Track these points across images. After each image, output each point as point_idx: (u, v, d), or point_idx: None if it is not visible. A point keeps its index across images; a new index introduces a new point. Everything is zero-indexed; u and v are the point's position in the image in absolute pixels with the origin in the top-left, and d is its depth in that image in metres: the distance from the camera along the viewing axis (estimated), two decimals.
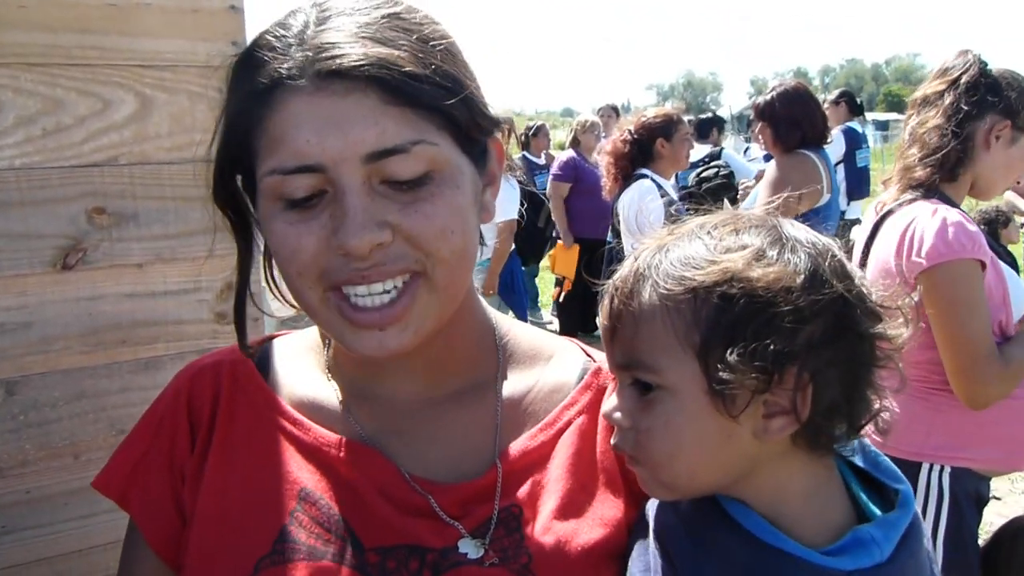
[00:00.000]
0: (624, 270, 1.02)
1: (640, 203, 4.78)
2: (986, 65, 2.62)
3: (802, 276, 0.93)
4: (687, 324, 0.94)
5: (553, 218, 8.30)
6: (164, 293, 1.89)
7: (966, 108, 2.56)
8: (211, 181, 1.05)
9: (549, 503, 1.07)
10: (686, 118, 6.07)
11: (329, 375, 1.17)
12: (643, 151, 4.93)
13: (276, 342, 1.24)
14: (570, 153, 8.48)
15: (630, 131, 4.95)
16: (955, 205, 2.59)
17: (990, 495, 2.80)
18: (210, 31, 1.85)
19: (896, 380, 1.01)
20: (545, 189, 8.38)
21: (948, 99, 2.60)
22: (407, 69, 0.93)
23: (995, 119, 2.58)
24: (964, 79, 2.59)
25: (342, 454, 1.09)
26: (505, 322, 1.23)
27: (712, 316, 0.93)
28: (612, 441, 1.05)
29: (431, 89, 0.95)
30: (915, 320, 1.00)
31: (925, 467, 2.57)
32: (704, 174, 7.92)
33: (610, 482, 1.10)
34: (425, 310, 1.00)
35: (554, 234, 8.48)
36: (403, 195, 0.96)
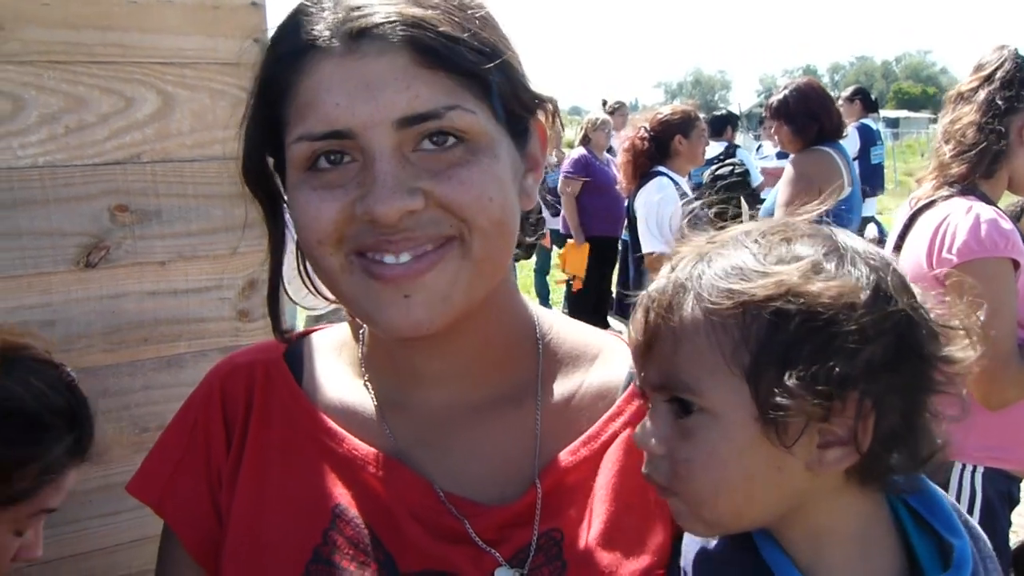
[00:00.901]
0: (661, 281, 0.93)
1: (659, 205, 4.76)
2: (1022, 59, 2.59)
3: (866, 292, 0.84)
4: (735, 342, 0.85)
5: (564, 216, 8.29)
6: (186, 291, 1.88)
7: (1001, 103, 2.54)
8: (241, 159, 1.01)
9: (592, 527, 1.00)
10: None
11: (365, 377, 1.12)
12: (660, 148, 4.91)
13: (309, 339, 1.20)
14: (581, 151, 8.47)
15: (646, 128, 4.93)
16: (991, 202, 2.57)
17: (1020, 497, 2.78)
18: (231, 27, 1.85)
19: (956, 406, 0.91)
20: (556, 187, 8.38)
21: (983, 95, 2.57)
22: (442, 29, 0.89)
23: None
24: (999, 74, 2.57)
25: (375, 470, 1.04)
26: (547, 317, 1.15)
27: (764, 334, 0.84)
28: (643, 471, 0.95)
29: (467, 52, 0.90)
30: (981, 341, 0.91)
31: (957, 467, 2.54)
32: (719, 171, 7.90)
33: (657, 502, 1.01)
34: (456, 276, 0.93)
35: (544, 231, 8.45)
36: (437, 162, 0.91)
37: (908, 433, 0.88)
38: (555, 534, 1.00)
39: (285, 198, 1.01)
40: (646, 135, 4.88)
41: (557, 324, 1.15)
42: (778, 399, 0.82)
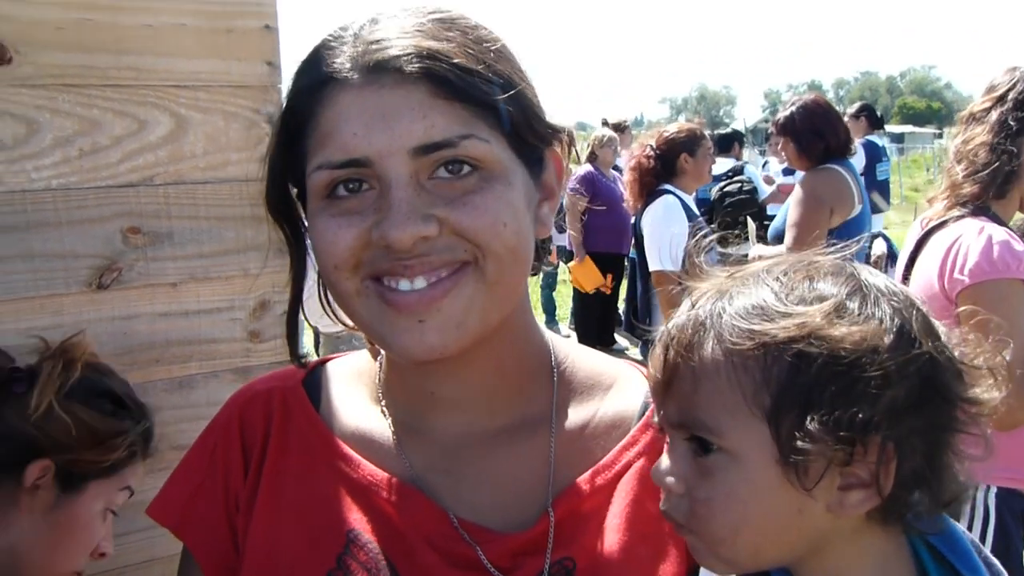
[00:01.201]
0: (681, 318, 0.92)
1: (665, 223, 4.76)
2: None
3: (890, 335, 0.83)
4: (756, 383, 0.84)
5: (569, 232, 8.30)
6: (198, 312, 1.89)
7: (1013, 124, 2.55)
8: (264, 189, 1.04)
9: (606, 556, 1.00)
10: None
11: (382, 402, 1.13)
12: (666, 166, 4.92)
13: (327, 367, 1.21)
14: (588, 167, 8.49)
15: (652, 146, 4.95)
16: (1003, 223, 2.57)
17: None
18: (245, 51, 1.86)
19: (980, 446, 0.89)
20: (562, 204, 8.37)
21: (995, 115, 2.58)
22: (457, 61, 0.91)
23: None
24: (1011, 95, 2.57)
25: (391, 496, 1.05)
26: (563, 346, 1.16)
27: (786, 376, 0.83)
28: (661, 507, 0.95)
29: (482, 84, 0.93)
30: (1007, 380, 0.90)
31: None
32: (727, 188, 7.91)
33: (672, 533, 1.01)
34: (471, 302, 0.94)
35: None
36: (452, 190, 0.93)
37: (931, 474, 0.87)
38: (567, 563, 1.00)
39: (306, 225, 1.03)
40: (652, 153, 4.89)
41: (573, 353, 1.16)
42: (799, 443, 0.81)
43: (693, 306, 0.92)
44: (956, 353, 0.89)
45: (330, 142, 0.93)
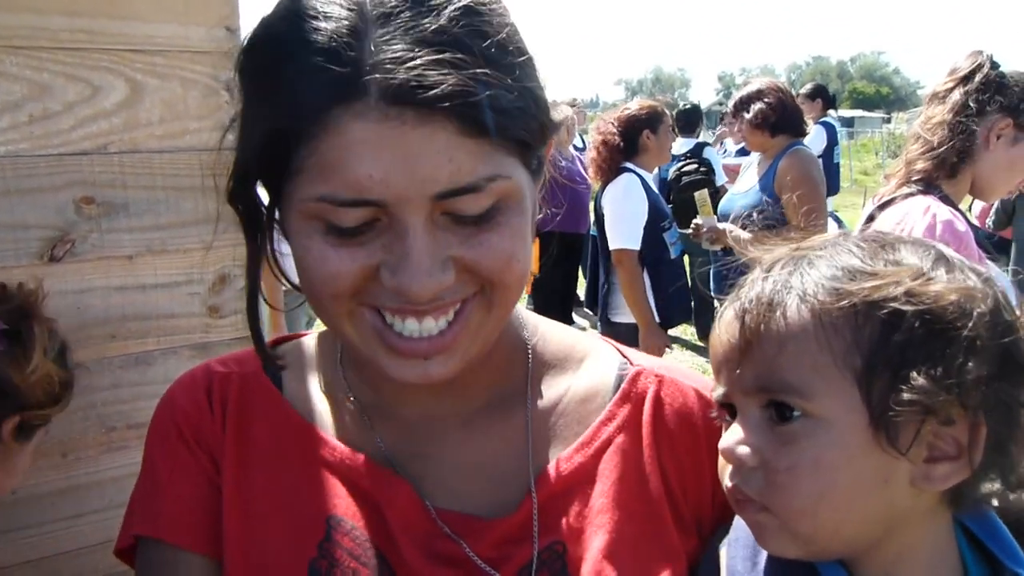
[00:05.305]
0: (757, 285, 0.88)
1: (626, 202, 4.76)
2: (997, 65, 2.63)
3: (987, 300, 0.82)
4: (846, 344, 0.81)
5: None
6: (155, 286, 1.83)
7: (973, 106, 2.58)
8: (229, 185, 0.92)
9: (596, 539, 0.96)
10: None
11: (347, 385, 1.06)
12: (629, 144, 4.91)
13: (284, 348, 1.13)
14: None
15: (614, 124, 4.93)
16: (952, 203, 2.60)
17: None
18: (204, 15, 1.79)
19: None
20: None
21: (955, 96, 2.61)
22: (490, 94, 0.79)
23: (998, 117, 2.59)
24: (972, 76, 2.60)
25: (370, 480, 0.99)
26: (532, 319, 1.11)
27: (878, 336, 0.80)
28: (730, 482, 0.90)
29: (514, 117, 0.82)
30: None
31: None
32: (685, 169, 7.93)
33: (658, 510, 0.99)
34: (476, 333, 0.90)
35: None
36: (466, 228, 0.84)
37: (1010, 452, 0.84)
38: (557, 547, 0.96)
39: (277, 221, 0.93)
40: (615, 131, 4.87)
41: (542, 326, 1.12)
42: (904, 396, 0.78)
43: (768, 271, 0.88)
44: None
45: (335, 176, 0.80)
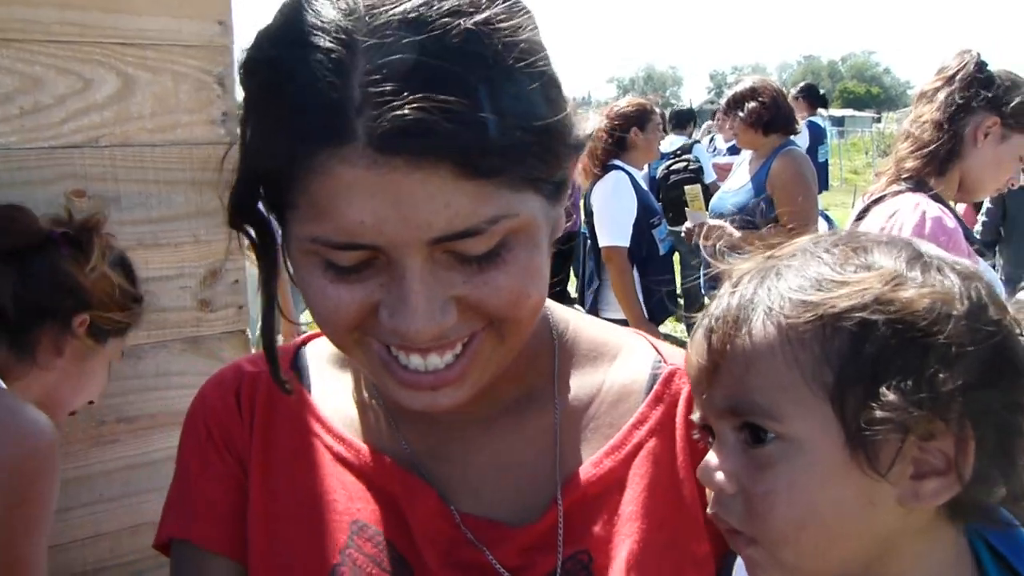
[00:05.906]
0: (723, 301, 0.83)
1: (615, 199, 4.77)
2: (984, 64, 2.65)
3: (963, 302, 0.76)
4: (815, 359, 0.76)
5: None
6: (146, 279, 1.82)
7: (959, 103, 2.60)
8: (229, 205, 0.86)
9: (623, 548, 0.91)
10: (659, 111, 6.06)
11: (372, 385, 1.03)
12: (618, 141, 4.92)
13: (308, 349, 1.10)
14: None
15: (604, 121, 4.93)
16: (942, 201, 2.62)
17: None
18: (196, 9, 1.80)
19: None
20: None
21: (943, 95, 2.63)
22: (492, 135, 0.72)
23: (985, 116, 2.61)
24: (959, 75, 2.62)
25: (395, 485, 0.96)
26: (560, 311, 1.06)
27: (848, 348, 0.75)
28: (711, 511, 0.85)
29: (519, 153, 0.75)
30: None
31: None
32: (674, 166, 7.95)
33: (691, 516, 0.93)
34: (487, 363, 0.86)
35: None
36: (469, 266, 0.79)
37: (1007, 461, 0.78)
38: (582, 556, 0.92)
39: (282, 238, 0.88)
40: (604, 128, 4.88)
41: (573, 320, 1.06)
42: (875, 413, 0.73)
43: (736, 286, 0.83)
44: None
45: (327, 220, 0.75)
